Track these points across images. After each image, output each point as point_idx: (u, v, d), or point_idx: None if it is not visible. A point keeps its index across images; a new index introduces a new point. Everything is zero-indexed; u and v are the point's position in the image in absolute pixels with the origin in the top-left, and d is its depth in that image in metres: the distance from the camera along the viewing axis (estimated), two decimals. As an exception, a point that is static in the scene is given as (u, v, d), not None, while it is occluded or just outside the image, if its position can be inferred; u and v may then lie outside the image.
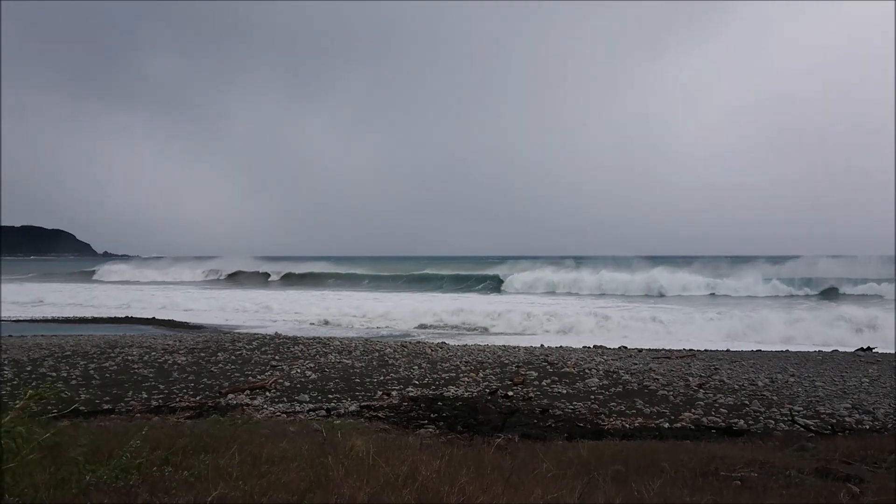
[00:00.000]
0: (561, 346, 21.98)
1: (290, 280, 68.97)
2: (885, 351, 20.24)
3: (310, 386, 13.80)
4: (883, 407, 12.10)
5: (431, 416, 11.17)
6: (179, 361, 16.39)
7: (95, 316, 34.39)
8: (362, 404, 12.12)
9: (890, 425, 10.79)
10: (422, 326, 30.69)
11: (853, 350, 20.72)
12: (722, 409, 12.00)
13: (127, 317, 33.91)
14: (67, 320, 32.45)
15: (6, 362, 15.78)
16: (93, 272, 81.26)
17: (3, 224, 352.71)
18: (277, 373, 15.03)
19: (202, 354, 17.52)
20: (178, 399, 12.52)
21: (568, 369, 15.76)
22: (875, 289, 43.99)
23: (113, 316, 34.43)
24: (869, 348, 20.75)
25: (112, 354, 17.25)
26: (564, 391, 13.53)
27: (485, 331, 29.61)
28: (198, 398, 12.62)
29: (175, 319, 32.70)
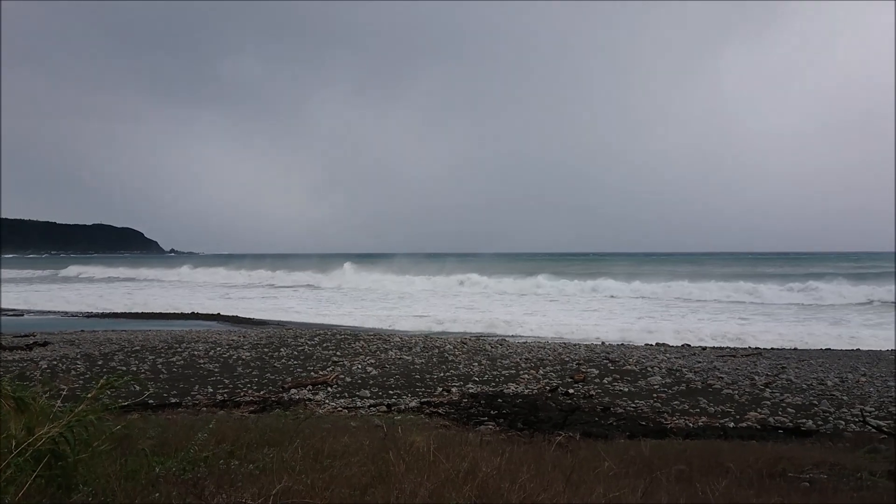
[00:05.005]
0: (622, 344, 21.73)
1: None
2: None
3: (370, 382, 13.92)
4: (961, 408, 11.65)
5: (491, 412, 11.16)
6: (243, 357, 16.72)
7: (163, 311, 35.25)
8: (422, 400, 12.18)
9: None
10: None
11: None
12: (789, 409, 11.71)
13: (193, 312, 34.65)
14: (135, 315, 33.37)
15: (79, 356, 16.31)
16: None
17: (75, 223, 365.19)
18: (339, 368, 15.21)
19: (265, 350, 17.84)
20: (242, 393, 12.76)
21: (629, 367, 15.58)
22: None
23: (179, 311, 35.25)
24: (945, 347, 19.99)
25: (179, 349, 17.69)
26: (626, 389, 13.38)
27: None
28: (261, 393, 12.85)
29: (239, 315, 33.31)
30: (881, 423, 10.55)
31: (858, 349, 20.43)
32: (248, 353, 17.20)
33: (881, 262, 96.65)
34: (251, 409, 11.22)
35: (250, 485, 4.41)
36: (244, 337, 20.74)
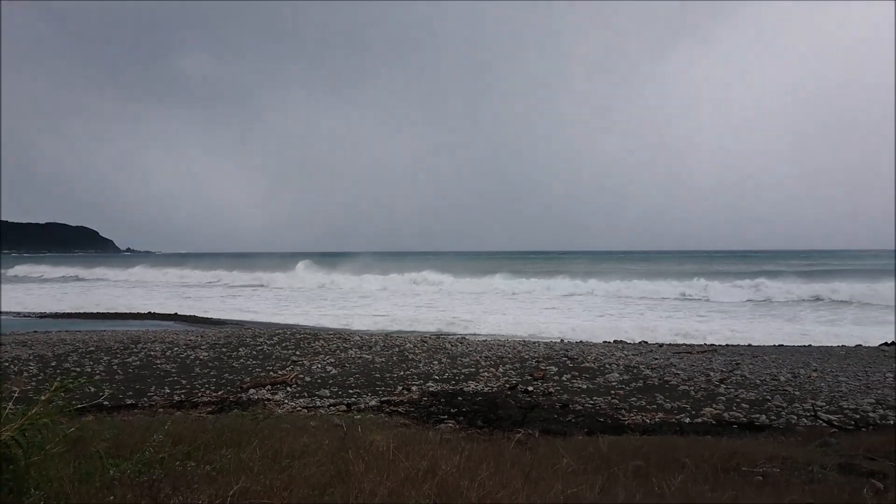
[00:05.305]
0: (581, 341, 21.93)
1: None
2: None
3: (330, 381, 13.87)
4: (907, 402, 11.97)
5: (451, 410, 11.19)
6: (201, 357, 16.53)
7: (118, 311, 34.70)
8: (382, 399, 12.16)
9: (915, 421, 10.67)
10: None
11: (877, 345, 20.49)
12: (743, 405, 11.92)
13: (149, 312, 34.16)
14: (90, 315, 32.79)
15: (31, 358, 15.97)
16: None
17: (27, 221, 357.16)
18: (298, 368, 15.12)
19: (224, 350, 17.66)
20: (200, 394, 12.63)
21: (588, 364, 15.73)
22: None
23: (136, 311, 34.71)
24: (893, 343, 20.51)
25: (135, 350, 17.42)
26: (584, 386, 13.50)
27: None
28: (220, 393, 12.72)
29: (197, 315, 32.92)
30: (832, 417, 10.81)
31: (810, 345, 20.88)
32: (206, 353, 17.00)
33: (830, 260, 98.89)
34: (209, 409, 11.10)
35: (207, 486, 4.37)
36: (202, 337, 20.50)
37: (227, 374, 14.50)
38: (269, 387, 13.16)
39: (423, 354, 17.17)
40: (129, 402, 11.78)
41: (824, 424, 10.20)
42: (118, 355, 16.58)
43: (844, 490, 5.32)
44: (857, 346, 20.49)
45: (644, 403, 12.07)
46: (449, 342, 19.81)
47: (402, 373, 14.82)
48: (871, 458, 6.87)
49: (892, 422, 10.58)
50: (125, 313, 33.82)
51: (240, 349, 17.75)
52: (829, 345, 20.91)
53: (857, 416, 10.88)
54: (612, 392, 12.96)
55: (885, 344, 20.48)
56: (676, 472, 5.59)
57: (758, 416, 11.12)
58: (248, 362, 15.96)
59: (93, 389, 11.78)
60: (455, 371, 15.01)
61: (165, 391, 12.82)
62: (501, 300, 42.86)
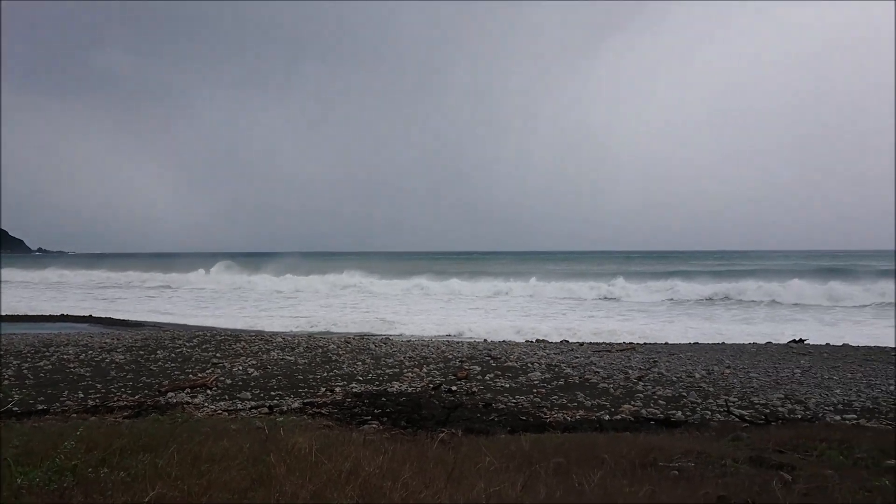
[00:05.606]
0: (504, 341, 22.16)
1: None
2: (815, 342, 20.89)
3: (252, 383, 13.64)
4: (814, 397, 12.49)
5: (375, 411, 11.15)
6: (117, 360, 16.04)
7: (28, 314, 33.38)
8: (305, 401, 12.03)
9: (820, 414, 11.15)
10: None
11: (786, 342, 21.30)
12: (660, 401, 12.24)
13: (62, 314, 32.97)
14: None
15: (-67, 363, 15.23)
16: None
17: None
18: (218, 370, 14.83)
19: (141, 352, 17.18)
20: (115, 398, 12.25)
21: (511, 363, 15.89)
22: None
23: (48, 314, 33.45)
24: (801, 340, 21.36)
25: (47, 353, 16.79)
26: (507, 385, 13.64)
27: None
28: (137, 397, 12.37)
29: (113, 317, 31.96)
30: (743, 412, 11.20)
31: (724, 343, 21.56)
32: (123, 356, 16.51)
33: (741, 261, 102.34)
34: (125, 414, 10.78)
35: (122, 493, 4.26)
36: (118, 339, 19.89)
37: (144, 378, 14.11)
38: (189, 390, 12.87)
39: (347, 355, 17.06)
40: (40, 407, 11.34)
41: (737, 419, 10.55)
42: (28, 359, 15.95)
43: (755, 482, 5.51)
44: (767, 343, 21.28)
45: (565, 401, 12.26)
46: (373, 343, 19.74)
47: (325, 374, 14.69)
48: (781, 451, 7.14)
49: (799, 416, 11.03)
50: (36, 315, 32.52)
51: (158, 352, 17.30)
52: (742, 342, 21.64)
53: (768, 411, 11.30)
54: (535, 391, 13.13)
55: (794, 341, 21.31)
56: (596, 468, 5.69)
57: (674, 412, 11.43)
58: (167, 365, 15.57)
59: (0, 395, 11.31)
60: (379, 372, 14.96)
61: (79, 396, 12.39)
62: (426, 301, 42.96)
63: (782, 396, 12.51)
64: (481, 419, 10.72)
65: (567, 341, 22.21)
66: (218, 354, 16.96)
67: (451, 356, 17.01)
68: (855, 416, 11.07)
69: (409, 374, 14.73)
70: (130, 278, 67.71)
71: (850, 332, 25.15)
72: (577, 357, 17.20)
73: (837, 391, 13.02)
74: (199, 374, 14.37)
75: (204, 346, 18.22)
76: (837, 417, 10.93)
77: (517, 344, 20.99)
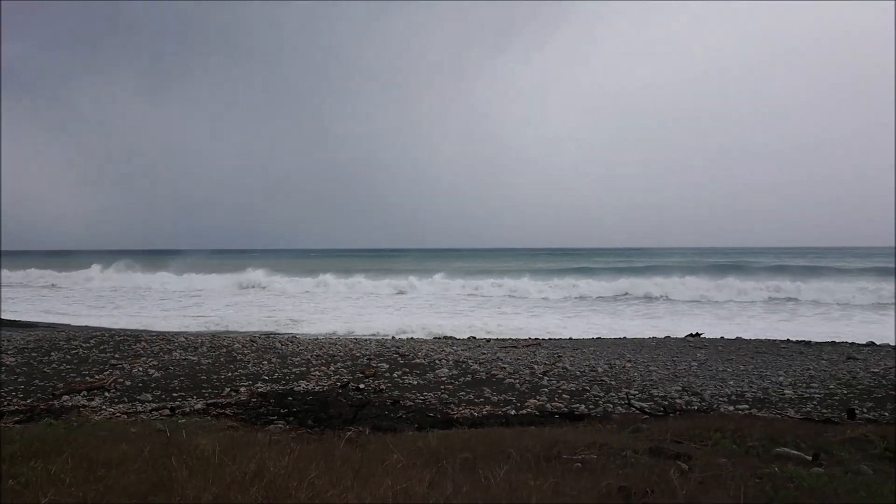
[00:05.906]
0: (412, 338, 22.20)
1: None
2: (710, 336, 21.73)
3: (153, 385, 13.24)
4: (709, 389, 13.02)
5: (281, 411, 11.00)
6: (7, 362, 15.28)
7: None
8: (209, 402, 11.76)
9: (715, 405, 11.62)
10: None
11: (684, 336, 22.09)
12: (565, 395, 12.50)
13: (-55, 316, 31.21)
14: None
15: None
16: None
17: None
18: (117, 372, 14.33)
19: (34, 354, 16.41)
20: (5, 403, 11.68)
21: (419, 360, 15.93)
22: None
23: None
24: (697, 334, 22.19)
25: (-72, 357, 15.85)
26: (415, 382, 13.67)
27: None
28: (28, 401, 11.83)
29: (2, 318, 30.44)
30: (643, 404, 11.56)
31: (625, 337, 22.18)
32: (14, 359, 15.74)
33: (641, 258, 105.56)
34: (16, 419, 10.29)
35: (11, 502, 4.07)
36: (9, 341, 18.94)
37: (37, 381, 13.50)
38: (85, 392, 12.39)
39: (252, 355, 16.75)
40: (-80, 414, 10.72)
41: (637, 411, 10.88)
42: None
43: (654, 472, 5.68)
44: (665, 337, 22.02)
45: (472, 397, 12.38)
46: (279, 341, 19.45)
47: (229, 374, 14.39)
48: (678, 442, 7.40)
49: (696, 407, 11.47)
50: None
51: (52, 353, 16.57)
52: (642, 336, 22.33)
53: (666, 403, 11.70)
54: (442, 387, 13.21)
55: (691, 335, 22.12)
56: (502, 462, 5.77)
57: (578, 405, 11.70)
58: (62, 367, 14.93)
59: None
60: (285, 371, 14.76)
61: (-36, 401, 11.76)
62: (333, 299, 42.63)
63: (680, 389, 12.98)
64: (389, 417, 10.72)
65: (474, 338, 22.43)
66: (117, 355, 16.38)
67: (358, 354, 16.92)
68: (747, 406, 11.60)
69: (317, 372, 14.59)
70: (21, 277, 64.70)
71: (743, 326, 26.36)
72: (484, 353, 17.38)
73: (731, 382, 13.59)
74: (97, 376, 13.86)
75: (102, 347, 17.56)
76: (731, 408, 11.43)
77: (425, 341, 21.06)
